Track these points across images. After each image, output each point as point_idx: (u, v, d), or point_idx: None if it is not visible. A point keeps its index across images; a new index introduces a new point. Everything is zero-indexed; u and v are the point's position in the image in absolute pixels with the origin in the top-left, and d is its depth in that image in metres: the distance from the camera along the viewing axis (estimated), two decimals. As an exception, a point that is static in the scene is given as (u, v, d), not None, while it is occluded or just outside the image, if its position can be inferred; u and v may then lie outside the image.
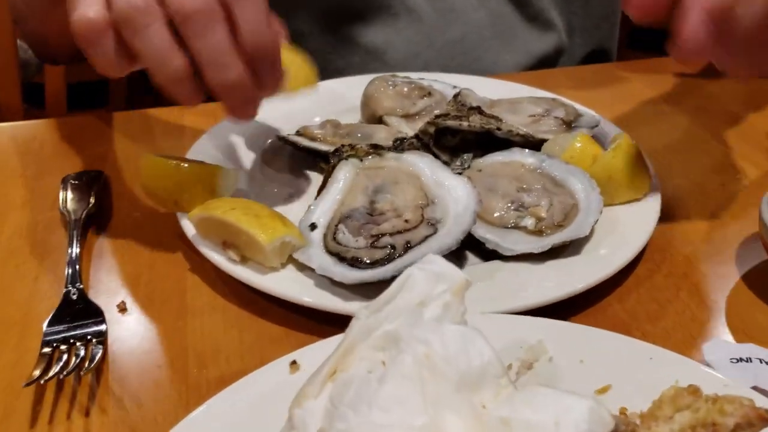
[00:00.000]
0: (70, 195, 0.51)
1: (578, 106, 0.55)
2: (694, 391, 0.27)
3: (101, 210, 0.50)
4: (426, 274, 0.29)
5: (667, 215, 0.46)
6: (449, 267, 0.29)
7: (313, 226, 0.42)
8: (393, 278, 0.37)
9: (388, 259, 0.39)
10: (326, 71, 0.72)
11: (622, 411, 0.30)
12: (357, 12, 0.70)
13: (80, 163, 0.57)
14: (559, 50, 0.73)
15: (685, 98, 0.65)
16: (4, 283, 0.44)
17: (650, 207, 0.45)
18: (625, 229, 0.43)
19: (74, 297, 0.41)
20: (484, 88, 0.57)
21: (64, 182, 0.52)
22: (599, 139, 0.51)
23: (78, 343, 0.38)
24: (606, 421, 0.24)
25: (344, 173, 0.45)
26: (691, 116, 0.62)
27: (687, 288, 0.42)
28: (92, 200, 0.50)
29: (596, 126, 0.52)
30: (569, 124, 0.52)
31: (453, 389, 0.25)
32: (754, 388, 0.33)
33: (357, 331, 0.28)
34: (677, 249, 0.45)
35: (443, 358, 0.25)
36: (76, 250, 0.45)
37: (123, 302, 0.42)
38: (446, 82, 0.59)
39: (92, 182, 0.53)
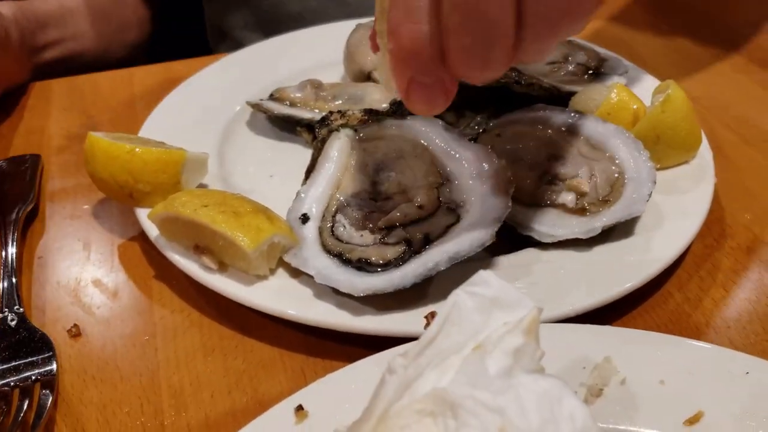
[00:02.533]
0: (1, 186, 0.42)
1: (599, 48, 0.47)
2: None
3: (39, 206, 0.42)
4: (478, 301, 0.21)
5: (718, 177, 0.39)
6: (510, 290, 0.21)
7: (305, 218, 0.34)
8: (414, 285, 0.30)
9: (404, 259, 0.31)
10: (278, 20, 0.63)
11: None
12: None
13: (11, 145, 0.47)
14: None
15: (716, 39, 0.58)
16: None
17: (704, 170, 0.38)
18: (681, 199, 0.36)
19: (12, 324, 0.33)
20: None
21: (-7, 171, 0.43)
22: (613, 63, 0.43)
23: (19, 388, 0.30)
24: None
25: (337, 148, 0.37)
26: (730, 61, 0.54)
27: (756, 266, 0.36)
28: (32, 195, 0.41)
29: (626, 72, 0.44)
30: (597, 70, 0.44)
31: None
32: None
33: (393, 388, 0.20)
34: (735, 218, 0.38)
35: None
36: (12, 258, 0.36)
37: (75, 326, 0.34)
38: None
39: (29, 170, 0.44)
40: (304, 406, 0.26)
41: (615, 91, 0.39)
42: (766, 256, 0.36)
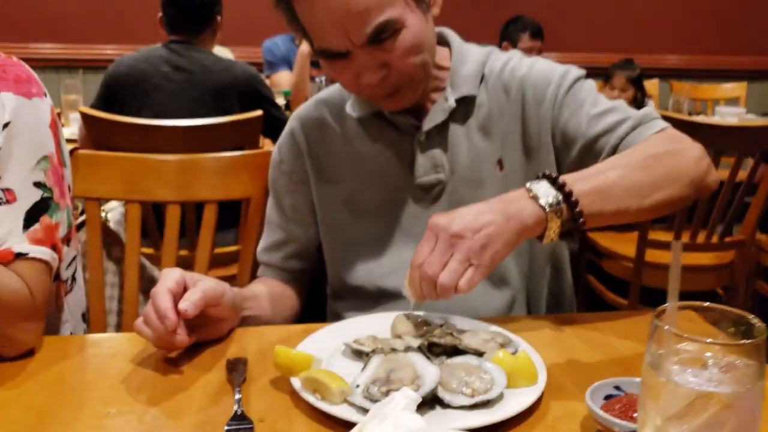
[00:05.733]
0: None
1: (511, 336, 0.97)
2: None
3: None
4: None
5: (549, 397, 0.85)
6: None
7: (357, 386, 0.84)
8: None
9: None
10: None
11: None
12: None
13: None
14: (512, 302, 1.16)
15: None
16: None
17: (537, 390, 0.85)
18: (520, 398, 0.83)
19: None
20: (463, 322, 1.00)
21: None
22: (509, 338, 0.93)
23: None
24: None
25: (376, 361, 0.87)
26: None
27: None
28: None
29: (509, 344, 0.93)
30: (503, 344, 0.93)
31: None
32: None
33: None
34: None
35: None
36: None
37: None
38: (438, 317, 1.02)
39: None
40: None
41: (499, 352, 0.88)
42: (559, 431, 0.81)
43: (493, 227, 0.87)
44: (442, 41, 1.16)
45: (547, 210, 0.89)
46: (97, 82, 2.54)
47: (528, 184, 0.92)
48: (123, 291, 1.55)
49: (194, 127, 2.09)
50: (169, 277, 0.91)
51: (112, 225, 1.60)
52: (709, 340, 0.60)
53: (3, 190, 0.95)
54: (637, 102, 3.85)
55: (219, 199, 1.46)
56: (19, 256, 0.94)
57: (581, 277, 2.84)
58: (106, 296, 1.51)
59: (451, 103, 1.09)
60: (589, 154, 1.07)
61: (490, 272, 0.88)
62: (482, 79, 1.12)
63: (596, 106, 1.07)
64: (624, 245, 2.53)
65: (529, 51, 3.79)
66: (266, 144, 2.54)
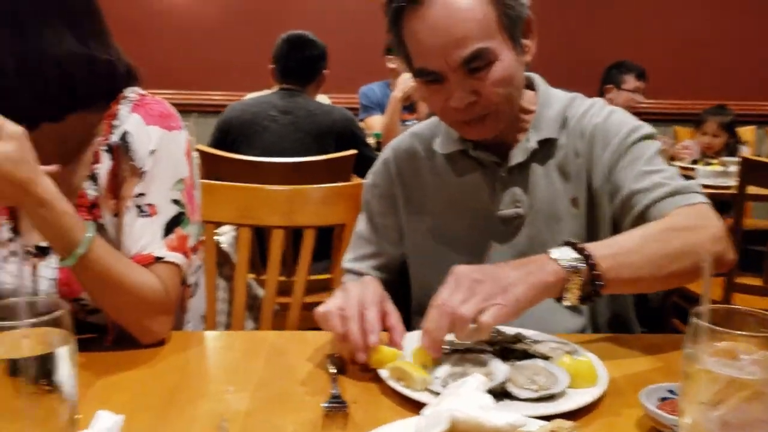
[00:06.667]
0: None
1: (577, 346, 1.06)
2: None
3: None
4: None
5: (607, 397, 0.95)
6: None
7: (436, 378, 0.96)
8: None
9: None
10: None
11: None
12: None
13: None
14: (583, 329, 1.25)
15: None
16: None
17: (598, 390, 0.94)
18: (581, 396, 0.93)
19: None
20: (533, 335, 1.11)
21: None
22: (575, 349, 1.03)
23: None
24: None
25: (453, 358, 1.00)
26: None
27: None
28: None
29: (576, 352, 1.03)
30: (568, 353, 1.03)
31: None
32: None
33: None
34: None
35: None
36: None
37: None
38: (511, 329, 1.13)
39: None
40: (424, 417, 0.85)
41: (564, 357, 0.98)
42: (616, 426, 0.90)
43: (513, 278, 0.93)
44: (530, 85, 1.26)
45: (567, 268, 0.95)
46: (206, 124, 2.85)
47: (549, 250, 0.98)
48: (231, 306, 1.75)
49: (296, 164, 2.32)
50: (377, 292, 1.07)
51: (224, 247, 1.81)
52: (740, 333, 0.69)
53: (147, 204, 1.15)
54: (729, 148, 3.82)
55: (318, 225, 1.63)
56: (158, 259, 1.13)
57: (668, 321, 2.84)
58: (217, 309, 1.71)
59: (533, 144, 1.20)
60: (626, 207, 1.15)
61: (517, 316, 0.93)
62: (564, 122, 1.21)
63: (649, 164, 1.15)
64: (710, 289, 2.52)
65: (634, 91, 3.88)
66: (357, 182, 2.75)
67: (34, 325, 0.72)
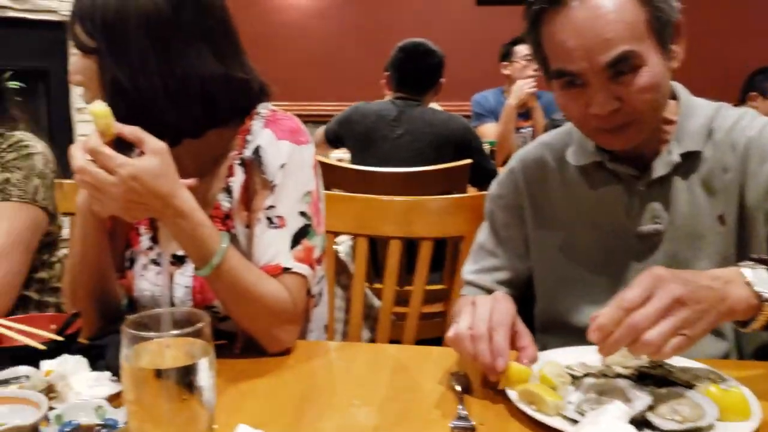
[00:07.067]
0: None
1: (723, 374, 0.98)
2: None
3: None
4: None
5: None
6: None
7: (569, 403, 0.92)
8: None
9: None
10: None
11: None
12: None
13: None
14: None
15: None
16: None
17: (751, 426, 0.86)
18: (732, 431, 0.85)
19: None
20: (674, 359, 1.04)
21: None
22: (721, 377, 0.95)
23: None
24: None
25: (587, 382, 0.95)
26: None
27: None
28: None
29: (723, 381, 0.95)
30: (714, 380, 0.96)
31: None
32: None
33: None
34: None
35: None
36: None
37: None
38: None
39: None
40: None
41: (710, 387, 0.91)
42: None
43: (707, 304, 0.87)
44: (671, 94, 1.17)
45: (763, 299, 0.89)
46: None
47: (743, 269, 0.92)
48: (348, 314, 1.76)
49: (411, 174, 2.32)
50: (508, 311, 1.01)
51: (341, 256, 1.83)
52: None
53: (277, 216, 1.17)
54: None
55: (436, 236, 1.62)
56: (286, 270, 1.16)
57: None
58: (334, 317, 1.73)
59: (675, 157, 1.12)
60: None
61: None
62: (709, 134, 1.14)
63: None
64: None
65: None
66: (472, 191, 2.71)
67: (178, 335, 0.75)
